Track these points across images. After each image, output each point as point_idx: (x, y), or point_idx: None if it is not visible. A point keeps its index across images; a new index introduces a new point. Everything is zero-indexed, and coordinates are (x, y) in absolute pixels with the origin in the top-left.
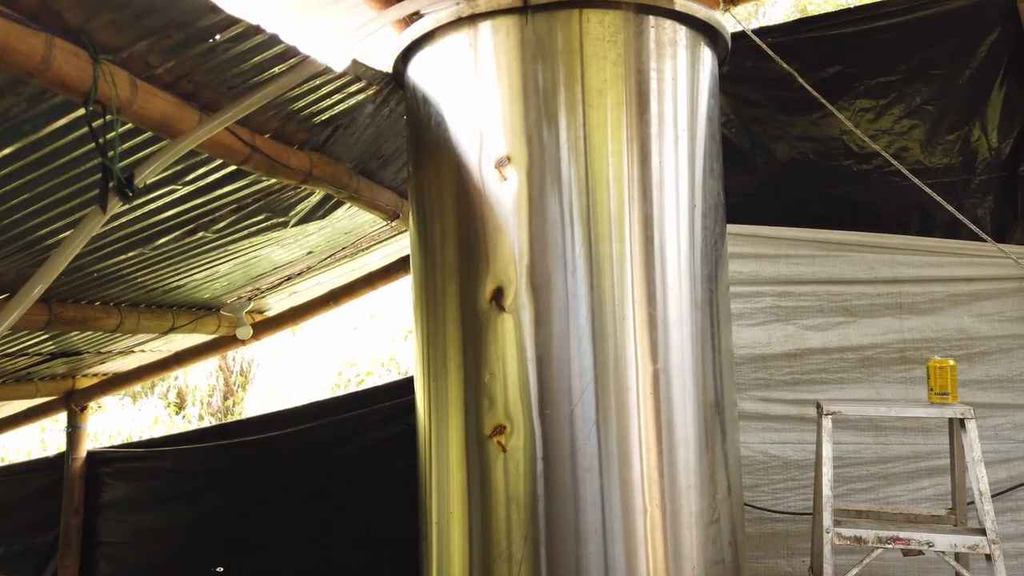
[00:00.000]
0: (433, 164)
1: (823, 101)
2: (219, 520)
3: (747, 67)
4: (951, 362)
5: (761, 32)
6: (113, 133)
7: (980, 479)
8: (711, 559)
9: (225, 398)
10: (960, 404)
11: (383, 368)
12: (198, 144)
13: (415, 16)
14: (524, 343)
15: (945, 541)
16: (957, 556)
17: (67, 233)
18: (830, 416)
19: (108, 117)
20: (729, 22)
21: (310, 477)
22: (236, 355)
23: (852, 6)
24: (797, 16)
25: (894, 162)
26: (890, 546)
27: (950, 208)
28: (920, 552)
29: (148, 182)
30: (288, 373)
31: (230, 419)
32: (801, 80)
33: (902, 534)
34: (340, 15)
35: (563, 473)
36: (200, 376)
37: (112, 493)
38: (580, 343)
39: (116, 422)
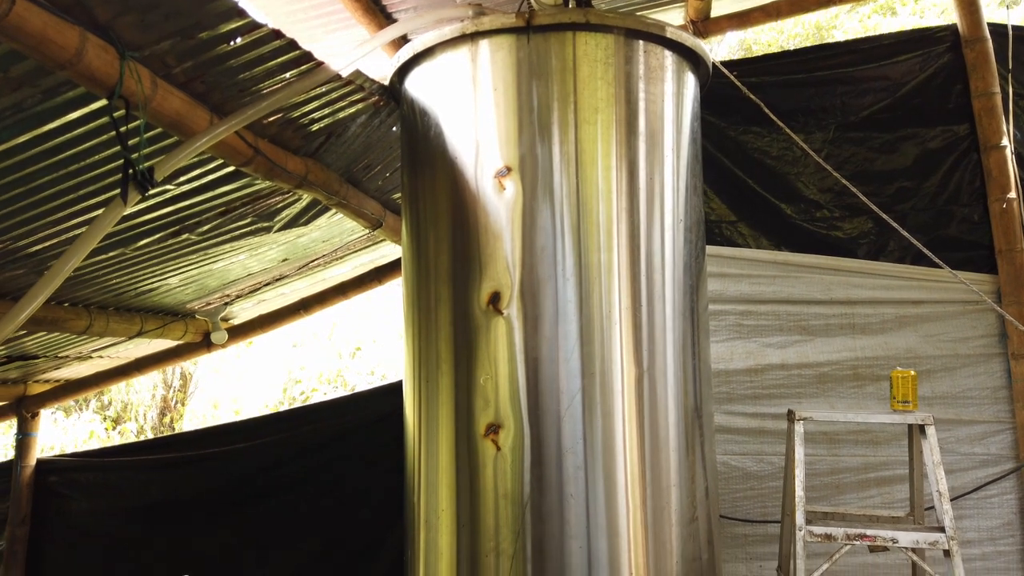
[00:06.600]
0: (429, 173)
1: (787, 131)
2: (179, 532)
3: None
4: (912, 372)
5: (728, 65)
6: (137, 122)
7: (939, 481)
8: (690, 555)
9: (162, 414)
10: (920, 411)
11: (330, 385)
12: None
13: (403, 40)
14: (517, 346)
15: (908, 538)
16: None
17: (64, 226)
18: (802, 421)
19: (133, 113)
20: None
21: (279, 485)
22: (175, 369)
23: (804, 46)
24: (741, 54)
25: (850, 186)
26: (858, 543)
27: (905, 234)
28: (886, 548)
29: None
30: (229, 389)
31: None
32: (767, 110)
33: (869, 531)
34: (324, 28)
35: (552, 471)
36: (144, 389)
37: (63, 504)
38: (570, 347)
39: (49, 435)
